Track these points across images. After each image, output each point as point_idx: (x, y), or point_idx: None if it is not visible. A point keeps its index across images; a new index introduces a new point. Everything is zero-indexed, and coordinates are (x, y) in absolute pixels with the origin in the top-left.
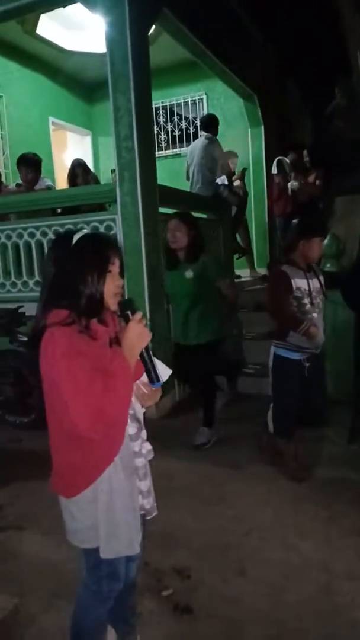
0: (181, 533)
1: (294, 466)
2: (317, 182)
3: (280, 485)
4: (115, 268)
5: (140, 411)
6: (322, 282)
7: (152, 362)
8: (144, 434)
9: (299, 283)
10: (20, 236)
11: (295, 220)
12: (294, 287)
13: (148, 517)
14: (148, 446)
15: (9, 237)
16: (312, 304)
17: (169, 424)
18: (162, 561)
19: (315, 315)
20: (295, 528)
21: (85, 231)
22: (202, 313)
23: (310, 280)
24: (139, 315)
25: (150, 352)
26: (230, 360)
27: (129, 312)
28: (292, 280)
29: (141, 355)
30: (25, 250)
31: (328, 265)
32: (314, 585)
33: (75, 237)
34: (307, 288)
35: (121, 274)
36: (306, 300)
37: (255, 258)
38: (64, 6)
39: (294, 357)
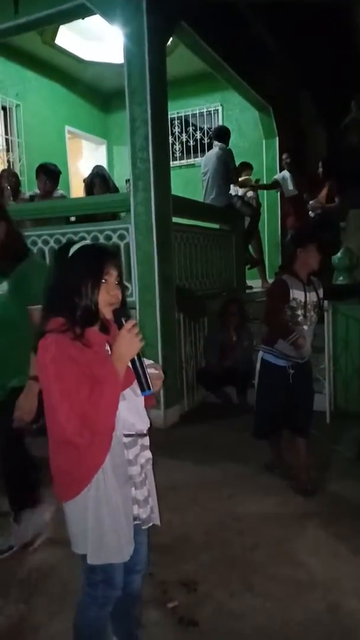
0: (188, 545)
1: (278, 471)
2: (335, 198)
3: (288, 499)
4: (110, 278)
5: (140, 419)
6: (320, 296)
7: (143, 370)
8: (145, 440)
9: (296, 294)
10: (34, 243)
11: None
12: (291, 297)
13: (144, 527)
14: (147, 455)
15: None
16: (305, 316)
17: (177, 434)
18: (168, 573)
19: (305, 327)
20: (303, 544)
21: (84, 242)
22: (8, 347)
23: (308, 294)
24: (130, 323)
25: (143, 361)
26: (240, 371)
27: (123, 320)
28: (291, 291)
29: (132, 362)
30: (39, 257)
31: (341, 278)
32: (321, 603)
33: (72, 249)
34: (302, 300)
35: (120, 284)
36: (300, 312)
37: (267, 269)
38: (83, 18)
39: (280, 364)
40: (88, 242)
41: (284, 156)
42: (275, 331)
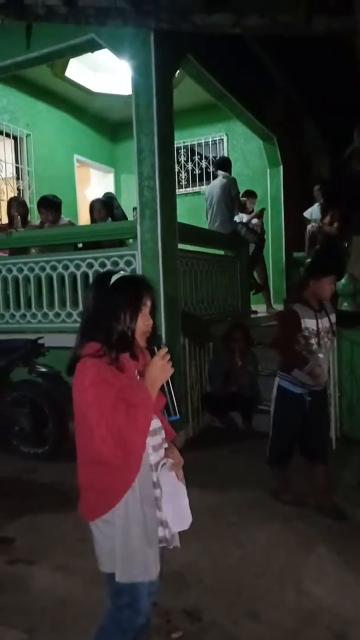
0: (192, 573)
1: (285, 498)
2: (335, 223)
3: (294, 526)
4: (146, 308)
5: (163, 444)
6: (333, 321)
7: (172, 395)
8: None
9: (308, 323)
10: (43, 269)
11: (308, 260)
12: (303, 326)
13: (171, 547)
14: None
15: (31, 270)
16: (319, 344)
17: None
18: (172, 601)
19: (321, 355)
20: (309, 571)
21: (122, 273)
22: None
23: (319, 320)
24: (163, 350)
25: (171, 386)
26: (245, 396)
27: (155, 347)
28: (302, 320)
29: (162, 388)
30: (47, 283)
31: (345, 304)
32: (327, 632)
33: (114, 278)
34: (315, 328)
35: (152, 314)
36: (313, 341)
37: (272, 295)
38: (93, 52)
39: (296, 391)
40: (127, 273)
41: (315, 188)
42: (290, 362)
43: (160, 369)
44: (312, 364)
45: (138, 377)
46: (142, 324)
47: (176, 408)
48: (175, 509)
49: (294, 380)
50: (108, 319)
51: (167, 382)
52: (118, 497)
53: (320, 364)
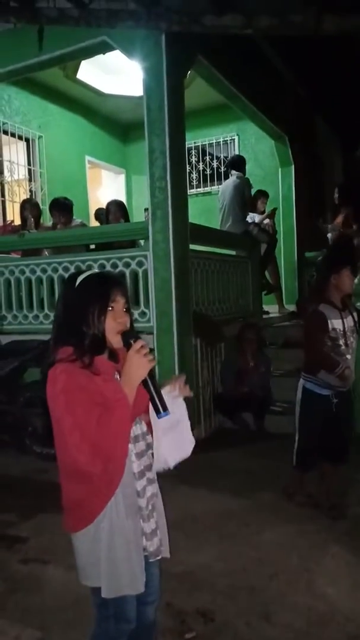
0: (205, 574)
1: (299, 500)
2: (354, 225)
3: (307, 527)
4: (117, 305)
5: (147, 451)
6: (356, 319)
7: (157, 391)
8: (151, 474)
9: (335, 324)
10: (55, 270)
11: (320, 258)
12: (330, 327)
13: (151, 560)
14: (153, 489)
15: (44, 271)
16: (346, 344)
17: (193, 461)
18: (186, 602)
19: (349, 356)
20: (323, 572)
21: (91, 272)
22: None
23: (345, 320)
24: (138, 344)
25: (156, 382)
26: (257, 396)
27: (131, 341)
28: (329, 321)
29: (145, 384)
30: (59, 284)
31: (359, 303)
32: (341, 635)
33: (79, 279)
34: (342, 328)
35: (128, 310)
36: (341, 342)
37: (284, 295)
38: (104, 53)
39: (323, 393)
40: (95, 271)
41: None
42: (320, 365)
43: (135, 365)
44: (343, 365)
45: (118, 378)
46: (114, 322)
47: (165, 404)
48: (175, 439)
49: (320, 382)
50: (77, 321)
51: (151, 377)
52: (100, 508)
53: (349, 365)
